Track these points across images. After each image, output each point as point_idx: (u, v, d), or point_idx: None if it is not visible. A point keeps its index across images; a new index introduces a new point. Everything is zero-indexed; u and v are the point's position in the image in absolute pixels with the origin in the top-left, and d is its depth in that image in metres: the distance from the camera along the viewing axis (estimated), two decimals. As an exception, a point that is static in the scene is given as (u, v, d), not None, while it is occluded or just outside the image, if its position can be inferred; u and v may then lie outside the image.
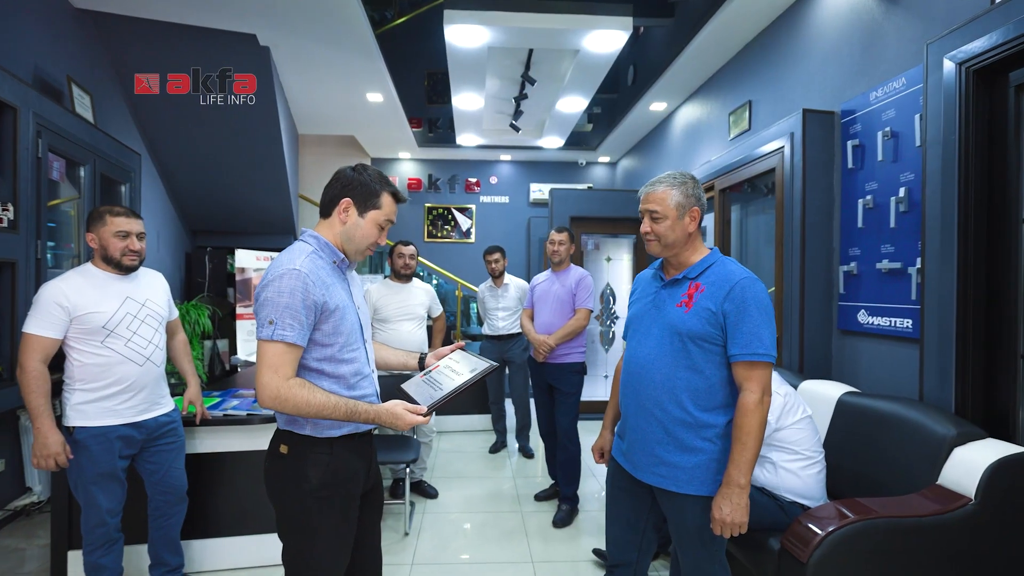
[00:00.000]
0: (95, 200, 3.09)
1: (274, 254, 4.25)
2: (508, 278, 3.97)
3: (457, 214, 7.46)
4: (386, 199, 1.35)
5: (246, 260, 4.20)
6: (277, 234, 5.61)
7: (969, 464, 1.63)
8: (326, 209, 1.34)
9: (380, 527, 1.50)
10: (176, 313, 2.20)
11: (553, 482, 3.23)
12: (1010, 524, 1.59)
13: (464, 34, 3.60)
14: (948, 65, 1.91)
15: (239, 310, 4.16)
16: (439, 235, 7.45)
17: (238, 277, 4.14)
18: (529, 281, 4.05)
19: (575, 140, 6.68)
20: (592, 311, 2.99)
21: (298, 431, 1.27)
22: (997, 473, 1.57)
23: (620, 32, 3.49)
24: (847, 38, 2.71)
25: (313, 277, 1.22)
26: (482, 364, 1.43)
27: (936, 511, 1.56)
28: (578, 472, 2.98)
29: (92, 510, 1.83)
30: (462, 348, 1.56)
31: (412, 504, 3.05)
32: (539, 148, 6.72)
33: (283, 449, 1.28)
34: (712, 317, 1.35)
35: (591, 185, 7.46)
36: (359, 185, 1.31)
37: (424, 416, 1.28)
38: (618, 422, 1.64)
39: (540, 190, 7.37)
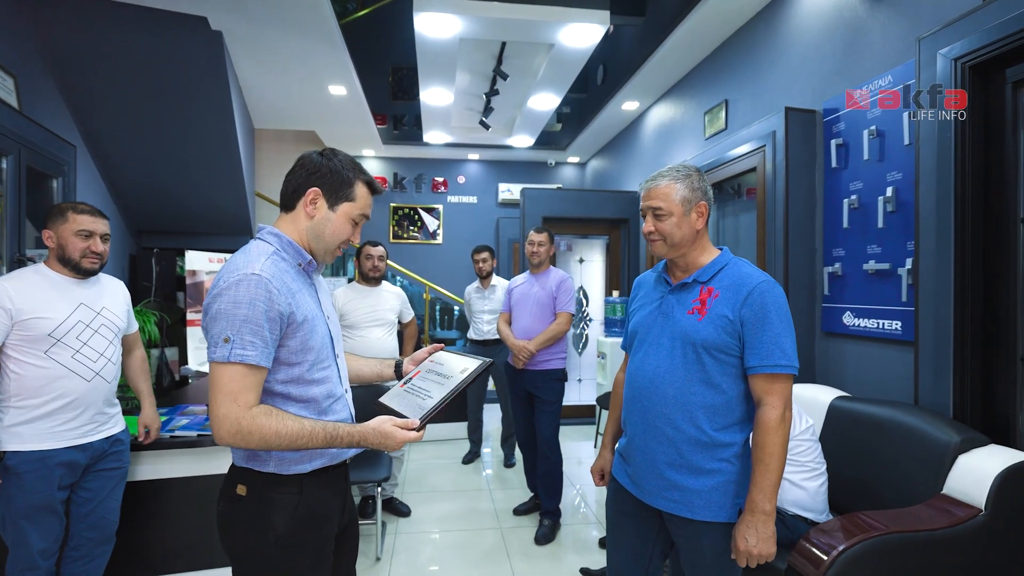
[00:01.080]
0: (20, 196, 2.75)
1: (229, 256, 3.94)
2: (496, 280, 3.80)
3: (424, 214, 7.24)
4: (361, 190, 1.15)
5: (197, 262, 3.89)
6: (231, 234, 5.26)
7: (977, 473, 1.56)
8: (288, 201, 1.14)
9: (355, 568, 1.31)
10: (135, 326, 1.96)
11: (533, 495, 3.09)
12: (1021, 533, 1.53)
13: (435, 24, 3.42)
14: (943, 61, 1.86)
15: (190, 315, 3.84)
16: (405, 236, 7.21)
17: (189, 280, 3.83)
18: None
19: (544, 140, 6.57)
20: (574, 315, 2.87)
21: (259, 468, 1.07)
22: (1007, 482, 1.51)
23: (597, 26, 3.38)
24: (828, 36, 2.68)
25: (277, 283, 1.02)
26: (473, 362, 1.26)
27: (948, 524, 1.49)
28: (560, 484, 2.84)
29: (21, 550, 1.57)
30: (441, 349, 1.39)
31: (384, 524, 2.84)
32: (508, 147, 6.58)
33: (241, 490, 1.07)
34: (729, 325, 1.22)
35: (560, 185, 7.37)
36: (329, 173, 1.11)
37: (417, 431, 1.10)
38: (619, 440, 1.50)
39: (509, 190, 7.23)
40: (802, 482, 1.74)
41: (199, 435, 2.01)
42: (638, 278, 1.54)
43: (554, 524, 2.82)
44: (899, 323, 2.16)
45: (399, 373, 1.39)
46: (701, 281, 1.29)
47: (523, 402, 2.92)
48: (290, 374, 1.07)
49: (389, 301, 3.09)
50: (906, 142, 2.15)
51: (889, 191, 2.23)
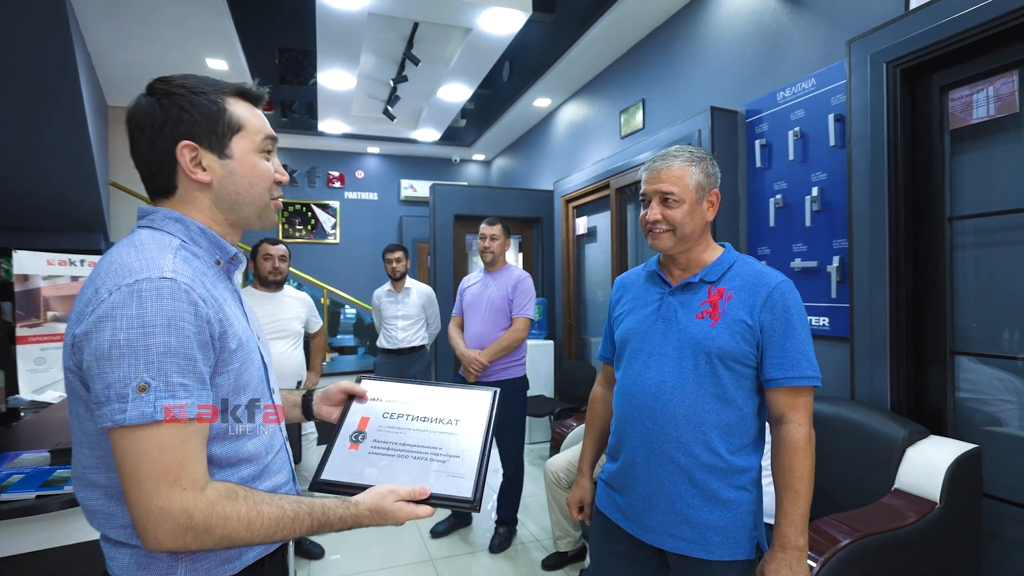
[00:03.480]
0: None
1: (84, 258, 3.22)
2: (410, 282, 3.46)
3: (318, 211, 6.63)
4: (239, 107, 0.79)
5: (31, 264, 3.12)
6: (77, 231, 4.35)
7: (928, 466, 1.60)
8: (160, 181, 0.77)
9: None
10: None
11: (451, 512, 2.83)
12: (969, 522, 1.58)
13: (339, -6, 3.03)
14: (875, 64, 1.91)
15: (21, 331, 3.07)
16: (296, 235, 6.55)
17: (18, 287, 3.06)
18: (431, 285, 3.62)
19: (449, 135, 6.30)
20: (533, 320, 2.64)
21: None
22: (957, 473, 1.55)
23: (519, 12, 3.21)
24: (749, 39, 2.73)
25: (200, 291, 0.69)
26: (480, 393, 0.95)
27: (913, 520, 1.49)
28: (519, 494, 2.67)
29: None
30: (361, 380, 1.00)
31: (294, 573, 2.41)
32: (412, 141, 6.21)
33: None
34: (747, 331, 1.07)
35: (467, 183, 7.14)
36: (183, 112, 0.74)
37: (429, 506, 0.80)
38: (601, 465, 1.32)
39: (412, 187, 6.86)
40: (767, 486, 1.68)
41: (37, 496, 1.51)
42: (621, 277, 1.35)
43: (510, 532, 2.66)
44: (827, 319, 2.22)
45: (309, 413, 1.01)
46: (709, 281, 1.13)
47: None
48: (215, 428, 0.72)
49: (293, 309, 2.66)
50: (831, 143, 2.21)
51: (815, 191, 2.29)
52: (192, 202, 0.78)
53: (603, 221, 4.14)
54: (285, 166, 6.46)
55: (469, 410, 0.94)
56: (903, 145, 1.86)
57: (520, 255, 5.19)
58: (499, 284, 2.66)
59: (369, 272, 6.53)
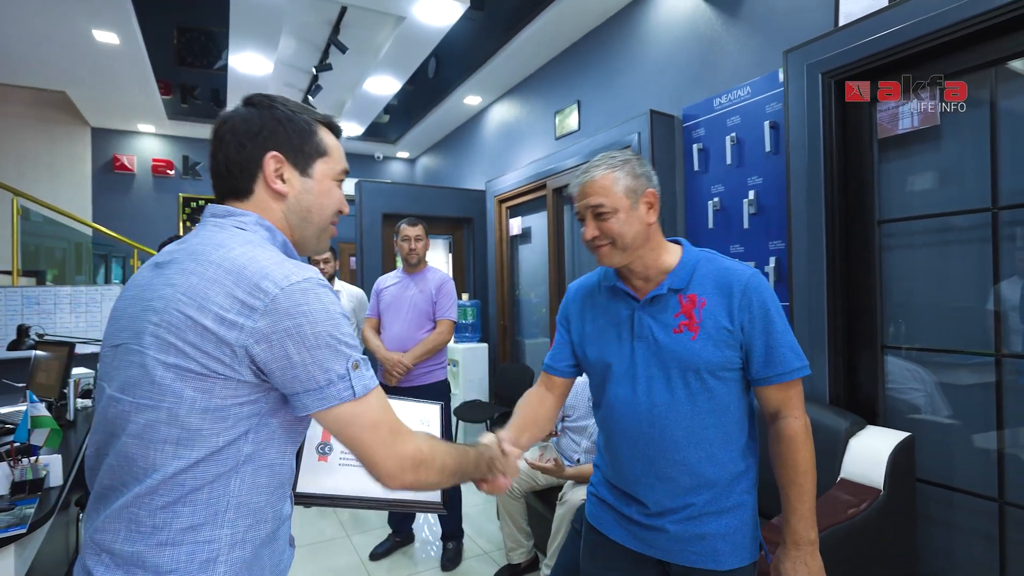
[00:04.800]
0: None
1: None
2: (339, 284, 3.22)
3: (225, 207, 6.07)
4: (327, 137, 0.87)
5: None
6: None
7: (870, 455, 1.69)
8: (237, 184, 0.82)
9: None
10: None
11: (391, 531, 2.66)
12: (906, 506, 1.69)
13: (258, -32, 2.75)
14: (811, 74, 2.01)
15: None
16: (200, 233, 5.96)
17: None
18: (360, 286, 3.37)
19: (372, 131, 6.02)
20: (456, 322, 2.53)
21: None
22: (897, 460, 1.65)
23: (456, 4, 3.09)
24: (685, 45, 2.81)
25: None
26: (428, 406, 1.00)
27: (864, 508, 1.56)
28: (459, 503, 2.54)
29: None
30: None
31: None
32: (333, 135, 5.86)
33: None
34: (730, 337, 1.03)
35: (391, 181, 6.86)
36: (281, 125, 0.81)
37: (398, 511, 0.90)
38: (586, 475, 1.24)
39: (332, 184, 6.48)
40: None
41: None
42: (576, 288, 1.25)
43: (460, 545, 2.52)
44: (765, 317, 2.31)
45: None
46: (677, 289, 1.07)
47: None
48: (293, 430, 0.79)
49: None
50: (767, 149, 2.31)
51: (751, 194, 2.39)
52: (266, 209, 0.82)
53: (537, 222, 4.12)
54: (186, 158, 5.87)
55: (421, 422, 0.99)
56: (837, 152, 1.96)
57: (450, 256, 5.05)
58: (421, 285, 2.56)
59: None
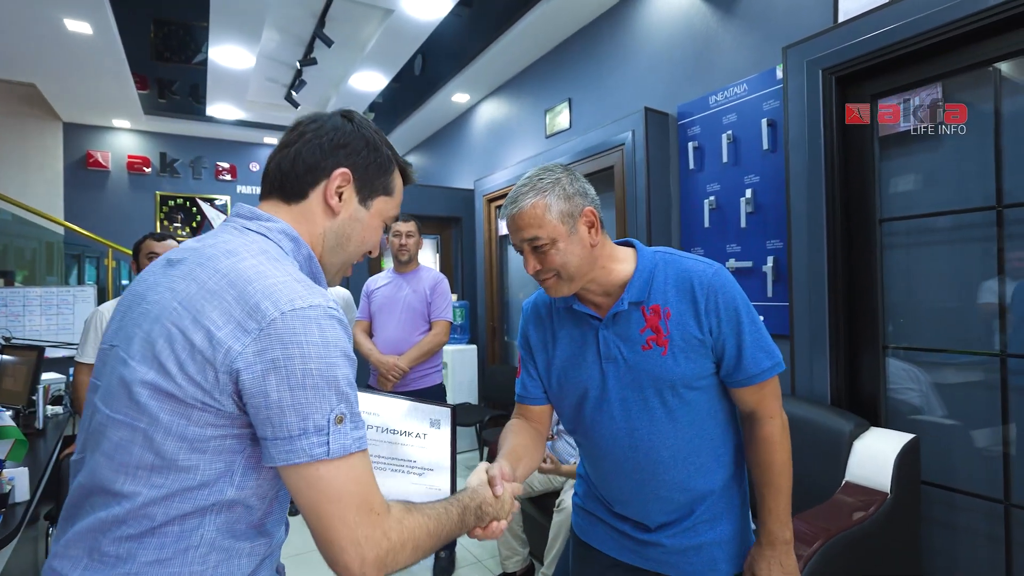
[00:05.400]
0: None
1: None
2: None
3: (204, 206, 5.91)
4: (398, 180, 0.84)
5: None
6: None
7: (876, 458, 1.65)
8: (294, 185, 0.76)
9: None
10: None
11: None
12: (912, 509, 1.66)
13: (241, -44, 2.65)
14: (811, 71, 1.98)
15: None
16: (178, 233, 5.79)
17: None
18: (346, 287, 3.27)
19: (357, 128, 5.90)
20: (452, 323, 2.45)
21: None
22: (903, 463, 1.62)
23: (446, -3, 3.02)
24: (679, 42, 2.77)
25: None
26: (439, 409, 0.93)
27: (872, 512, 1.53)
28: None
29: None
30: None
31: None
32: (316, 132, 5.73)
33: None
34: (701, 346, 0.96)
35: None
36: (365, 149, 0.78)
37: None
38: (571, 493, 1.19)
39: (315, 182, 6.35)
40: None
41: None
42: (532, 307, 1.15)
43: (452, 554, 2.44)
44: (763, 318, 2.28)
45: None
46: (638, 302, 0.98)
47: None
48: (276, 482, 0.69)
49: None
50: (764, 147, 2.28)
51: (748, 193, 2.36)
52: (309, 220, 0.77)
53: (528, 221, 4.05)
54: (164, 155, 5.70)
55: (432, 424, 0.94)
56: (838, 149, 1.94)
57: (438, 255, 4.97)
58: (414, 286, 2.47)
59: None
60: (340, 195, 0.76)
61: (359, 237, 0.80)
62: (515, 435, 1.08)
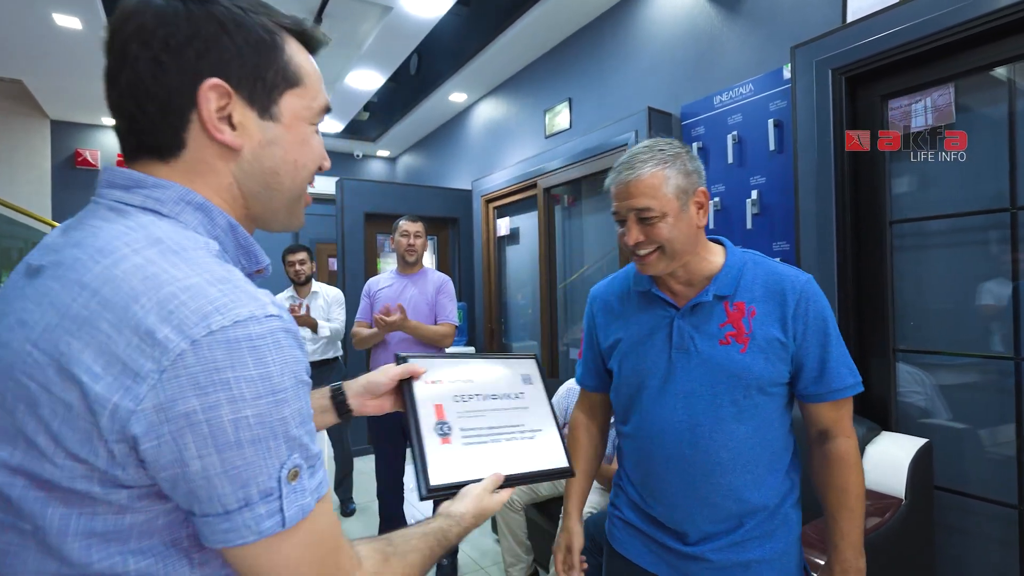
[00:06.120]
0: None
1: None
2: (317, 285, 3.06)
3: (196, 206, 5.81)
4: (299, 55, 0.55)
5: None
6: None
7: (891, 463, 1.63)
8: (158, 132, 0.50)
9: None
10: None
11: None
12: (925, 514, 1.64)
13: (237, -50, 2.58)
14: (821, 71, 1.96)
15: None
16: (169, 232, 5.68)
17: None
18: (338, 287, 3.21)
19: (352, 129, 5.84)
20: (457, 326, 2.40)
21: None
22: (917, 468, 1.60)
23: (447, -5, 2.98)
24: (682, 42, 2.74)
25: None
26: (524, 362, 0.91)
27: (889, 517, 1.50)
28: None
29: None
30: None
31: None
32: (311, 132, 5.66)
33: None
34: (783, 350, 0.94)
35: (370, 180, 6.69)
36: (224, 36, 0.49)
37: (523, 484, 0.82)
38: (604, 476, 1.14)
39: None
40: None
41: None
42: (600, 293, 1.14)
43: (454, 561, 2.40)
44: (769, 320, 2.26)
45: (345, 413, 0.82)
46: (723, 296, 0.96)
47: (394, 442, 2.36)
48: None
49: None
50: (771, 148, 2.26)
51: (754, 194, 2.33)
52: (204, 174, 0.52)
53: (526, 222, 4.02)
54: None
55: (524, 380, 0.91)
56: (847, 151, 1.91)
57: (435, 256, 4.92)
58: (420, 287, 2.42)
59: (274, 278, 5.85)
60: (229, 120, 0.51)
61: (289, 163, 0.55)
62: (580, 448, 1.18)
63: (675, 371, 0.98)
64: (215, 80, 0.49)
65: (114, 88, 0.50)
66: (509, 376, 0.89)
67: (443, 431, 0.78)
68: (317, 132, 0.59)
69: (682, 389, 0.97)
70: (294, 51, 0.55)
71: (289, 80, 0.54)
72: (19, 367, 0.42)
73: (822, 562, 1.28)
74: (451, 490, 0.73)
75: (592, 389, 1.18)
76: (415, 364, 0.83)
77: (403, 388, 0.81)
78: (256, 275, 0.59)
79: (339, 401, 0.81)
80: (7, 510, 0.42)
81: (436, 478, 0.73)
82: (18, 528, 0.42)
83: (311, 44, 0.58)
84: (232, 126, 0.51)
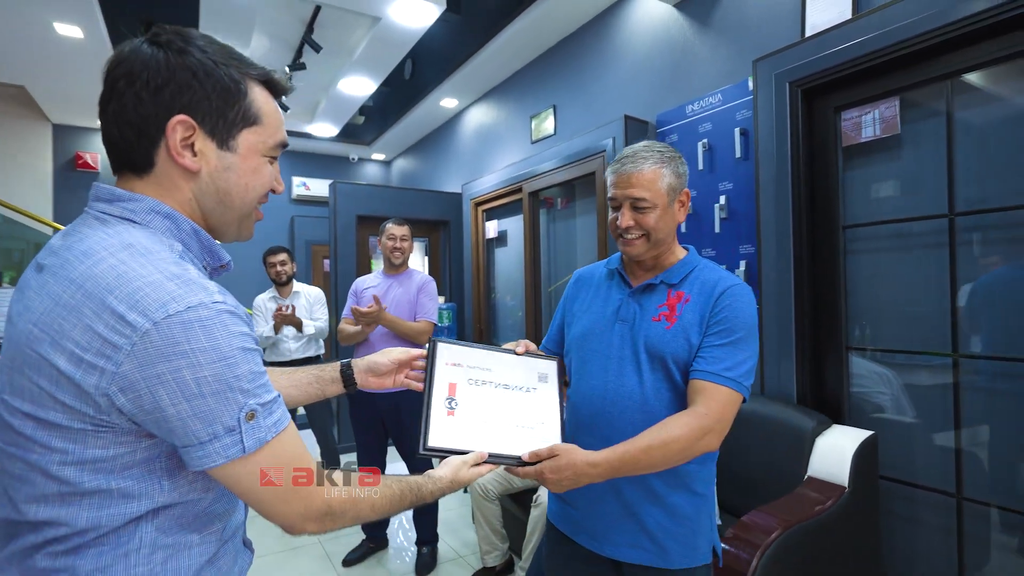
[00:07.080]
0: None
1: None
2: (298, 286, 3.17)
3: (194, 208, 5.92)
4: (262, 97, 0.68)
5: None
6: None
7: (836, 454, 1.73)
8: (133, 152, 0.64)
9: None
10: None
11: (364, 537, 2.62)
12: (870, 502, 1.74)
13: (230, -36, 2.70)
14: (779, 83, 2.06)
15: None
16: (167, 234, 5.79)
17: None
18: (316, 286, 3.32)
19: (347, 132, 5.95)
20: (436, 325, 2.52)
21: None
22: (861, 458, 1.70)
23: (433, 6, 3.08)
24: (659, 53, 2.85)
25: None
26: (545, 362, 1.05)
27: (830, 504, 1.60)
28: (437, 507, 2.53)
29: None
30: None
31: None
32: (307, 136, 5.78)
33: None
34: (697, 335, 1.05)
35: (365, 183, 6.79)
36: (194, 82, 0.62)
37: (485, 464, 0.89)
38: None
39: (305, 185, 6.38)
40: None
41: None
42: (581, 273, 1.30)
43: (434, 550, 2.50)
44: (735, 320, 2.36)
45: (351, 385, 0.99)
46: (669, 283, 1.11)
47: (376, 433, 2.48)
48: (198, 484, 0.64)
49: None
50: (737, 155, 2.36)
51: (722, 199, 2.44)
52: (170, 189, 0.65)
53: (513, 225, 4.12)
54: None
55: (540, 378, 1.02)
56: (804, 159, 2.02)
57: (426, 258, 5.02)
58: (404, 287, 2.55)
59: (258, 278, 5.94)
60: (191, 148, 0.63)
61: (240, 186, 0.68)
62: None
63: (614, 338, 1.11)
64: (183, 116, 0.62)
65: (104, 114, 0.63)
66: (526, 372, 1.01)
67: (451, 406, 0.93)
68: (272, 163, 0.72)
69: (616, 354, 1.10)
70: (257, 96, 0.67)
71: (248, 120, 0.67)
72: (25, 341, 0.57)
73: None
74: (444, 454, 0.87)
75: (547, 351, 1.30)
76: (411, 351, 1.01)
77: (427, 363, 0.96)
78: (220, 270, 0.73)
79: (347, 375, 0.98)
80: (20, 440, 0.57)
81: (434, 440, 0.88)
82: (26, 458, 0.57)
83: (276, 90, 0.71)
84: (194, 153, 0.64)
